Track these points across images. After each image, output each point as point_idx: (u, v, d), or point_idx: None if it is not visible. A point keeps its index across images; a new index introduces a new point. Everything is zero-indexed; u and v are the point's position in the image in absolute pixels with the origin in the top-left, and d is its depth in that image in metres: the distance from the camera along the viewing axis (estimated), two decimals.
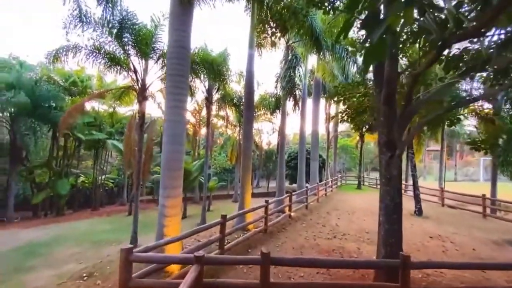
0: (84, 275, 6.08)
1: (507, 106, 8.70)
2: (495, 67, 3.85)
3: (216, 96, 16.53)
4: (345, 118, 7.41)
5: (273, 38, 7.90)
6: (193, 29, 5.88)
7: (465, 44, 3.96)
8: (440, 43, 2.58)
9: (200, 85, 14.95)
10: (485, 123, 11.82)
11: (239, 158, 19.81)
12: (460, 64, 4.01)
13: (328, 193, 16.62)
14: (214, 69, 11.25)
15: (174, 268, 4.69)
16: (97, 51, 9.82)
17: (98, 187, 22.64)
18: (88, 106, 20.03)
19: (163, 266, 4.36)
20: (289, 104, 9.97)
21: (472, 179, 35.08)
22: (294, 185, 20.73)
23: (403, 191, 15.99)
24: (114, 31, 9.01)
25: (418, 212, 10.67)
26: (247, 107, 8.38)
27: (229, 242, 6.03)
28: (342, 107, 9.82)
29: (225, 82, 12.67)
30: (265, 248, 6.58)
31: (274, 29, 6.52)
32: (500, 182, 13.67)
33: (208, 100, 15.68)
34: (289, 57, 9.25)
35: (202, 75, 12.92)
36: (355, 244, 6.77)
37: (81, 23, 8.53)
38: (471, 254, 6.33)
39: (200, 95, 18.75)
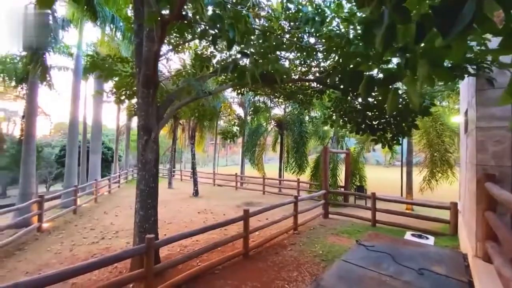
0: None
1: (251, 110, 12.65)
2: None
3: None
4: (114, 99, 6.47)
5: None
6: None
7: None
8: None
9: None
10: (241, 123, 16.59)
11: None
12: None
13: (114, 190, 14.64)
14: None
15: None
16: None
17: None
18: None
19: None
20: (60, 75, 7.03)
21: (237, 163, 48.49)
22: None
23: (188, 177, 18.03)
24: None
25: (196, 193, 12.43)
26: None
27: None
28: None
29: None
30: None
31: None
32: (247, 164, 19.80)
33: None
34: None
35: None
36: (126, 239, 6.24)
37: None
38: (222, 218, 8.27)
39: None
